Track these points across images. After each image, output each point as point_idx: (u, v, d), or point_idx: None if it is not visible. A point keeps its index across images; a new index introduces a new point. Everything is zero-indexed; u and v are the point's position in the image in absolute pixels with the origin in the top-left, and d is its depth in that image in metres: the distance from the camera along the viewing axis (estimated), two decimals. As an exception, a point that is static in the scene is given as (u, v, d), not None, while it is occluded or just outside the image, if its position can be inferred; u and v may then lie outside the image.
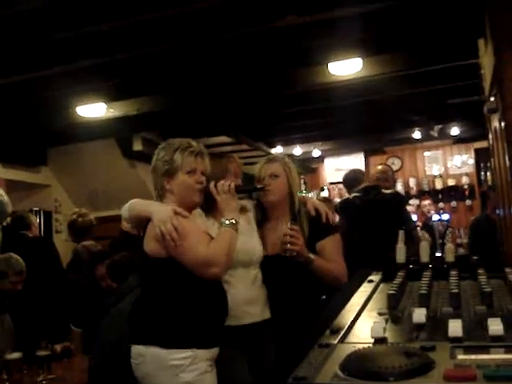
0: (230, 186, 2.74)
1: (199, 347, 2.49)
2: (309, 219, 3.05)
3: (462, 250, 8.62)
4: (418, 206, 10.74)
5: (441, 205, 10.88)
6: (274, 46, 4.92)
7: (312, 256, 2.90)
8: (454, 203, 10.96)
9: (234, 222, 2.64)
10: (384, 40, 5.03)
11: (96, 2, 3.99)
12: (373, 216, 4.93)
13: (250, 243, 2.93)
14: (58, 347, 4.14)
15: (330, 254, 3.00)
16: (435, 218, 9.21)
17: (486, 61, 4.33)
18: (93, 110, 6.47)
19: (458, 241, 9.61)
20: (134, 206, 2.76)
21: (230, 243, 2.59)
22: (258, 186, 3.01)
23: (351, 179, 5.56)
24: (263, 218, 3.16)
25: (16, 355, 3.64)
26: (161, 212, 2.56)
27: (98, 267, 4.54)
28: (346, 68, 5.59)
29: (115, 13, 4.08)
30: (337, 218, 5.26)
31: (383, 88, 6.43)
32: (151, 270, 2.64)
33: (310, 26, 4.51)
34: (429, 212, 9.92)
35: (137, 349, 2.55)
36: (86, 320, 4.45)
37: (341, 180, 10.44)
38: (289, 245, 2.85)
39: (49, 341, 3.89)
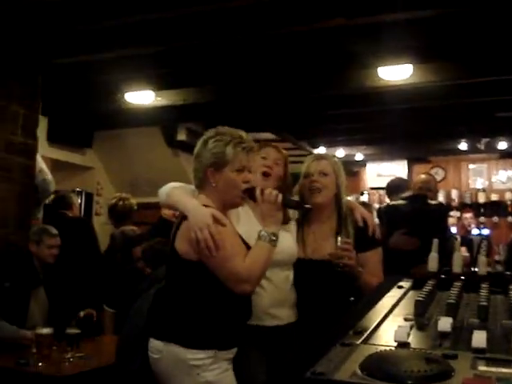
0: (277, 196, 2.53)
1: (220, 349, 2.41)
2: (355, 228, 2.93)
3: (499, 267, 8.47)
4: (459, 219, 10.60)
5: (482, 219, 10.71)
6: (323, 46, 4.92)
7: (361, 269, 2.81)
8: (495, 218, 10.77)
9: (274, 238, 2.46)
10: (435, 48, 5.00)
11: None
12: (417, 225, 4.88)
13: (284, 243, 2.73)
14: (82, 313, 4.21)
15: (373, 268, 2.90)
16: (475, 232, 9.08)
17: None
18: (141, 97, 6.56)
19: (496, 257, 9.44)
20: (173, 194, 2.61)
21: (265, 260, 2.44)
22: (307, 206, 2.78)
23: (396, 185, 5.54)
24: (304, 219, 3.02)
25: (47, 331, 3.68)
26: (198, 215, 2.39)
27: (135, 248, 4.72)
28: (396, 73, 5.56)
29: (167, 3, 4.14)
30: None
31: (432, 96, 6.36)
32: (179, 267, 2.51)
33: (359, 29, 4.50)
34: (469, 225, 9.79)
35: (155, 343, 2.47)
36: (119, 301, 4.53)
37: (382, 186, 10.37)
38: (342, 259, 2.74)
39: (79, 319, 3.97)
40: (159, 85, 6.23)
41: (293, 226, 3.00)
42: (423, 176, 5.85)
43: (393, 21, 4.33)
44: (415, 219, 4.90)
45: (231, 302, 2.44)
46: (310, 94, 6.66)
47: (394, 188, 5.55)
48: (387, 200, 5.80)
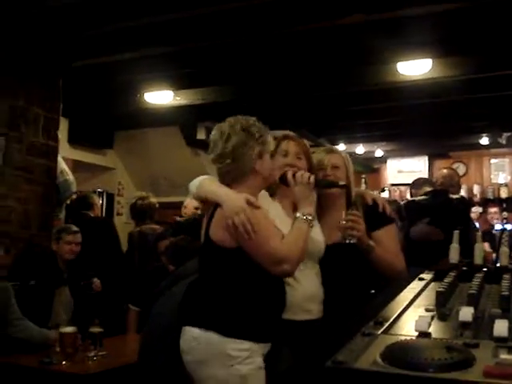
0: (309, 177, 2.61)
1: (256, 341, 2.40)
2: (365, 210, 2.92)
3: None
4: (481, 214, 10.50)
5: (504, 214, 10.59)
6: (341, 42, 4.91)
7: (372, 243, 2.80)
8: (518, 213, 10.66)
9: (310, 218, 2.52)
10: (454, 42, 4.96)
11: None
12: (439, 217, 4.87)
13: (314, 234, 2.74)
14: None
15: (388, 245, 2.89)
16: (498, 227, 8.99)
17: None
18: (160, 97, 6.61)
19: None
20: (204, 184, 2.62)
21: (304, 240, 2.48)
22: (341, 183, 2.83)
23: (420, 184, 5.56)
24: (317, 210, 2.97)
25: (70, 329, 3.70)
26: (233, 201, 2.41)
27: (160, 243, 4.81)
28: (415, 68, 5.53)
29: (185, 3, 4.17)
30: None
31: (452, 91, 6.31)
32: (215, 257, 2.51)
33: (378, 24, 4.48)
34: (493, 220, 9.69)
35: (191, 331, 2.44)
36: (144, 300, 4.55)
37: (403, 182, 10.30)
38: (349, 230, 2.74)
39: (103, 318, 3.99)
40: (178, 84, 6.27)
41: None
42: (445, 171, 5.82)
43: (411, 15, 4.32)
44: (437, 212, 4.88)
45: (268, 291, 2.47)
46: (328, 91, 6.66)
47: (417, 186, 5.55)
48: (408, 196, 5.79)
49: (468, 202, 5.70)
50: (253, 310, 2.43)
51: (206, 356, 2.39)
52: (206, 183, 2.62)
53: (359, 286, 2.82)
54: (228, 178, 2.55)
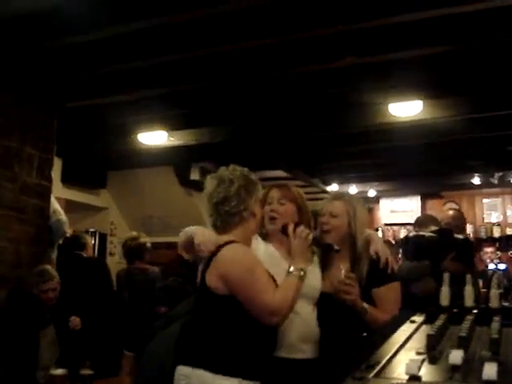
0: (308, 234, 2.72)
1: (245, 377, 2.47)
2: (370, 263, 2.94)
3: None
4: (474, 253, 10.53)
5: (498, 254, 10.62)
6: (333, 84, 4.98)
7: (366, 306, 2.81)
8: (511, 253, 10.69)
9: (302, 273, 2.59)
10: (445, 83, 5.04)
11: (162, 36, 4.15)
12: (444, 254, 4.87)
13: (309, 277, 2.77)
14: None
15: (386, 304, 2.88)
16: (491, 266, 9.00)
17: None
18: (154, 138, 6.64)
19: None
20: (194, 232, 2.75)
21: (294, 294, 2.55)
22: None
23: (424, 220, 5.55)
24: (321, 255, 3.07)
25: (61, 371, 3.66)
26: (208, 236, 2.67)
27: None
28: (407, 109, 5.60)
29: (180, 46, 4.23)
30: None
31: (443, 131, 6.38)
32: (209, 301, 2.60)
33: (369, 66, 4.56)
34: (488, 260, 9.71)
35: (183, 370, 2.53)
36: (137, 343, 4.48)
37: (396, 222, 10.33)
38: (342, 293, 2.79)
39: (93, 359, 3.94)
40: (172, 125, 6.31)
41: (316, 258, 3.02)
42: (451, 213, 5.91)
43: (402, 58, 4.39)
44: (442, 249, 4.88)
45: (258, 333, 2.54)
46: (321, 132, 6.72)
47: (421, 222, 5.53)
48: (402, 235, 5.79)
49: (471, 242, 5.73)
50: (242, 349, 2.51)
51: None
52: (198, 231, 2.76)
53: (353, 328, 2.81)
54: (226, 223, 2.67)
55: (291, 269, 2.60)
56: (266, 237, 2.98)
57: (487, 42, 4.17)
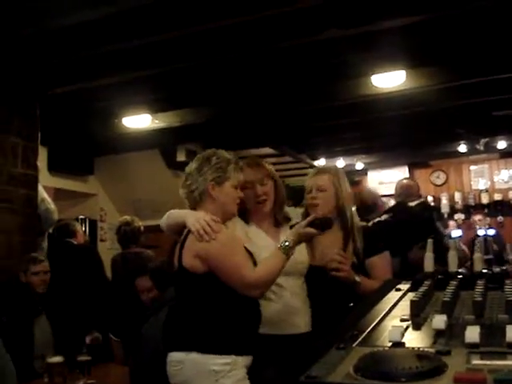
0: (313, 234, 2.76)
1: (238, 354, 2.50)
2: (363, 235, 3.04)
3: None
4: (464, 220, 10.61)
5: (487, 220, 10.68)
6: (317, 58, 4.96)
7: (358, 279, 2.87)
8: (500, 218, 10.77)
9: (287, 243, 2.61)
10: (427, 52, 5.02)
11: (142, 17, 4.11)
12: (404, 238, 4.62)
13: (296, 253, 2.79)
14: (88, 338, 4.00)
15: (380, 273, 2.96)
16: (480, 232, 9.05)
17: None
18: (138, 121, 6.62)
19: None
20: (171, 214, 2.81)
21: (278, 269, 2.59)
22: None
23: (402, 190, 5.38)
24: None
25: (58, 359, 3.66)
26: (195, 214, 2.63)
27: (138, 280, 4.48)
28: (390, 80, 5.59)
29: (160, 27, 4.20)
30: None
31: (427, 100, 6.37)
32: (188, 282, 2.64)
33: (352, 38, 4.53)
34: (476, 227, 9.76)
35: (175, 356, 2.56)
36: (124, 330, 4.48)
37: (384, 193, 10.34)
38: (334, 272, 2.83)
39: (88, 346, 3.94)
40: (155, 108, 6.29)
41: None
42: (405, 181, 5.74)
43: (383, 28, 4.36)
44: (400, 234, 4.63)
45: (242, 308, 2.58)
46: (305, 107, 6.71)
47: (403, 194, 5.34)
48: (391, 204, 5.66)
49: (432, 207, 5.48)
50: (229, 326, 2.55)
51: (192, 376, 2.50)
52: (173, 212, 2.82)
53: (345, 300, 2.83)
54: (190, 201, 2.74)
55: (283, 242, 2.64)
56: (247, 221, 3.02)
57: (467, 7, 4.15)
